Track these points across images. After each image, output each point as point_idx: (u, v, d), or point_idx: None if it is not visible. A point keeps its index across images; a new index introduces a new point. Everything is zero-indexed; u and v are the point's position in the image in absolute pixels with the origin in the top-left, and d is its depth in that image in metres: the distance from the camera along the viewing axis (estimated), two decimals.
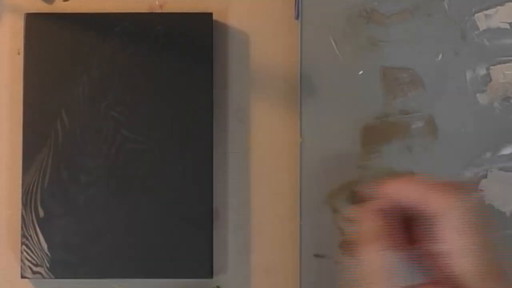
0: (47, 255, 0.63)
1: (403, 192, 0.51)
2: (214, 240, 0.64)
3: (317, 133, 0.63)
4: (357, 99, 0.63)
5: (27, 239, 0.63)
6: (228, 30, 0.67)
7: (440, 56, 0.63)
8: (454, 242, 0.49)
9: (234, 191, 0.66)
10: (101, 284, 0.65)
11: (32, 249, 0.63)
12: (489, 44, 0.63)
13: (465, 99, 0.63)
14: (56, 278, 0.64)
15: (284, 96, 0.66)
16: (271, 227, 0.66)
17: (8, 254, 0.65)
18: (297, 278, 0.64)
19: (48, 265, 0.63)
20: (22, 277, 0.63)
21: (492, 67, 0.63)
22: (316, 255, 0.63)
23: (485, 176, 0.63)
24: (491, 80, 0.63)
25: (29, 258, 0.63)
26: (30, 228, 0.63)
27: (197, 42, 0.65)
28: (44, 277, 0.63)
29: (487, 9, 0.63)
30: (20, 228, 0.63)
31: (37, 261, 0.63)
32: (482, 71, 0.63)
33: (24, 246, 0.63)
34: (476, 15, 0.63)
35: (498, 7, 0.63)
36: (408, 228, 0.51)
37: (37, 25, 0.64)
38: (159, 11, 0.66)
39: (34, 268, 0.63)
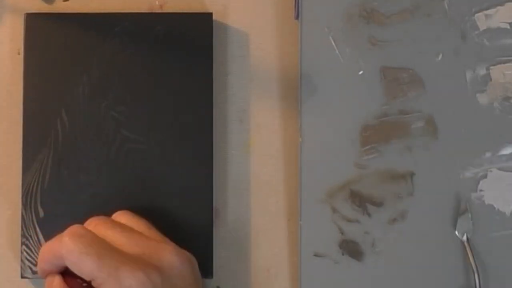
0: None
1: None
2: (214, 240, 0.64)
3: (317, 133, 0.63)
4: (357, 99, 0.63)
5: (27, 239, 0.63)
6: (228, 30, 0.67)
7: (440, 56, 0.63)
8: None
9: (234, 191, 0.66)
10: None
11: (32, 249, 0.63)
12: (489, 44, 0.63)
13: (465, 99, 0.63)
14: None
15: (284, 96, 0.66)
16: (271, 227, 0.66)
17: (8, 254, 0.65)
18: (297, 278, 0.64)
19: None
20: (22, 277, 0.63)
21: (492, 67, 0.63)
22: (316, 255, 0.63)
23: (485, 176, 0.63)
24: (491, 80, 0.63)
25: (29, 258, 0.63)
26: (30, 228, 0.63)
27: (197, 42, 0.65)
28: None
29: (487, 9, 0.63)
30: (20, 228, 0.63)
31: (37, 261, 0.63)
32: (482, 71, 0.63)
33: (24, 246, 0.63)
34: (476, 15, 0.63)
35: (498, 7, 0.63)
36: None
37: (37, 25, 0.64)
38: (159, 11, 0.66)
39: (34, 268, 0.63)
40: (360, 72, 0.63)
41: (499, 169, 0.63)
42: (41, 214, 0.63)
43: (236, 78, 0.66)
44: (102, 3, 0.66)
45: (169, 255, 0.57)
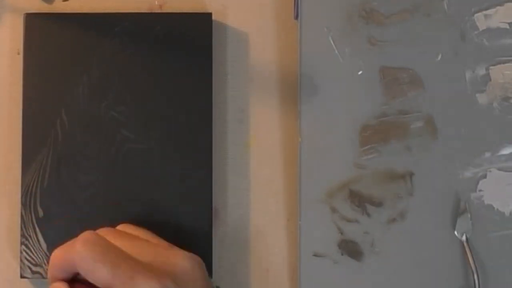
0: (46, 255, 0.63)
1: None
2: (213, 240, 0.64)
3: (316, 133, 0.63)
4: (356, 99, 0.63)
5: (26, 239, 0.63)
6: (228, 30, 0.67)
7: (440, 56, 0.63)
8: None
9: (234, 191, 0.66)
10: None
11: (32, 249, 0.63)
12: (489, 44, 0.63)
13: (464, 99, 0.63)
14: None
15: (283, 96, 0.66)
16: (271, 227, 0.66)
17: (8, 254, 0.65)
18: (296, 278, 0.64)
19: (47, 265, 0.63)
20: (22, 277, 0.63)
21: (491, 67, 0.63)
22: (315, 255, 0.63)
23: (485, 176, 0.63)
24: (490, 80, 0.63)
25: (29, 258, 0.63)
26: (30, 228, 0.63)
27: (196, 42, 0.65)
28: (43, 277, 0.63)
29: (486, 9, 0.63)
30: (19, 228, 0.63)
31: (37, 261, 0.63)
32: (482, 71, 0.63)
33: (23, 246, 0.63)
34: (475, 15, 0.63)
35: (498, 7, 0.63)
36: None
37: (37, 25, 0.64)
38: (159, 11, 0.66)
39: (34, 268, 0.63)
40: (360, 72, 0.63)
41: (499, 169, 0.63)
42: (41, 214, 0.63)
43: (235, 78, 0.67)
44: (102, 3, 0.66)
45: (181, 260, 0.57)
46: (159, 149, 0.64)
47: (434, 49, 0.63)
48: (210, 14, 0.65)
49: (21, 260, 0.63)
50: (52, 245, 0.63)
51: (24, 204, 0.63)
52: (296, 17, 0.65)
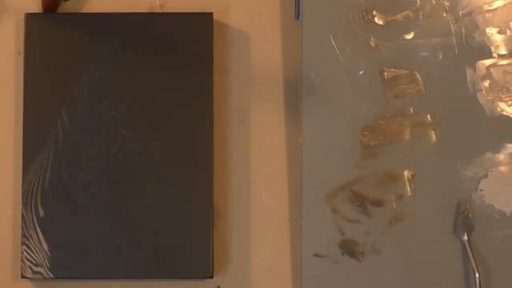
0: (47, 255, 0.63)
1: None
2: (214, 240, 0.64)
3: (317, 133, 0.63)
4: (357, 99, 0.63)
5: (27, 239, 0.63)
6: (228, 30, 0.67)
7: (440, 56, 0.63)
8: None
9: (234, 191, 0.66)
10: (101, 284, 0.65)
11: (33, 249, 0.63)
12: (489, 44, 0.63)
13: (465, 99, 0.63)
14: (56, 278, 0.64)
15: (284, 96, 0.66)
16: (271, 227, 0.66)
17: (9, 254, 0.65)
18: (297, 278, 0.64)
19: (48, 265, 0.63)
20: (23, 276, 0.63)
21: (492, 67, 0.63)
22: (316, 255, 0.63)
23: (486, 176, 0.63)
24: (491, 80, 0.63)
25: (30, 258, 0.63)
26: (31, 228, 0.63)
27: (197, 42, 0.65)
28: (44, 277, 0.63)
29: (487, 9, 0.63)
30: (20, 228, 0.63)
31: (37, 260, 0.63)
32: (482, 71, 0.63)
33: (24, 246, 0.63)
34: (476, 15, 0.63)
35: (498, 7, 0.63)
36: None
37: (37, 25, 0.64)
38: (159, 11, 0.66)
39: (35, 268, 0.63)
40: (361, 72, 0.63)
41: (499, 169, 0.63)
42: (41, 214, 0.63)
43: (236, 78, 0.67)
44: (102, 3, 0.66)
45: None
46: (159, 149, 0.64)
47: (435, 49, 0.63)
48: (211, 14, 0.65)
49: (22, 260, 0.63)
50: (53, 245, 0.63)
51: (25, 204, 0.63)
52: (297, 17, 0.65)
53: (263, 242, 0.66)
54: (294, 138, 0.65)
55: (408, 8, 0.63)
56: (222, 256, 0.65)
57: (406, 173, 0.63)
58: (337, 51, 0.63)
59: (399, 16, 0.63)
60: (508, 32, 0.63)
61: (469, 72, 0.63)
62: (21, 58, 0.65)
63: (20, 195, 0.63)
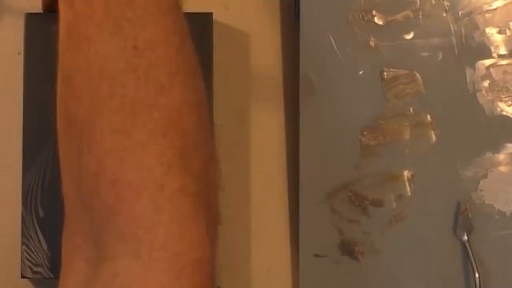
0: (47, 255, 0.63)
1: None
2: None
3: (317, 133, 0.63)
4: (357, 99, 0.63)
5: (27, 239, 0.63)
6: (228, 30, 0.67)
7: (440, 56, 0.63)
8: None
9: (234, 191, 0.66)
10: None
11: (32, 249, 0.63)
12: (489, 44, 0.63)
13: (465, 99, 0.63)
14: (56, 278, 0.63)
15: (284, 96, 0.66)
16: (271, 227, 0.66)
17: (8, 254, 0.65)
18: (297, 278, 0.64)
19: (48, 265, 0.63)
20: (22, 277, 0.63)
21: (492, 67, 0.63)
22: (316, 255, 0.63)
23: (486, 176, 0.63)
24: (491, 80, 0.63)
25: (29, 258, 0.63)
26: (30, 228, 0.63)
27: (197, 42, 0.64)
28: (44, 277, 0.63)
29: (487, 9, 0.63)
30: (20, 228, 0.63)
31: (37, 261, 0.63)
32: (482, 71, 0.63)
33: (24, 246, 0.63)
34: (476, 15, 0.63)
35: (498, 7, 0.63)
36: None
37: (37, 25, 0.64)
38: None
39: (34, 268, 0.63)
40: (360, 72, 0.63)
41: (499, 169, 0.63)
42: (41, 214, 0.63)
43: (236, 78, 0.66)
44: None
45: None
46: None
47: (435, 49, 0.63)
48: (210, 14, 0.65)
49: (21, 260, 0.63)
50: (53, 245, 0.63)
51: (25, 204, 0.63)
52: (297, 17, 0.65)
53: (263, 242, 0.66)
54: (294, 138, 0.65)
55: (408, 8, 0.63)
56: (223, 256, 0.65)
57: (406, 173, 0.63)
58: (337, 51, 0.63)
59: (399, 16, 0.63)
60: (508, 32, 0.63)
61: (468, 72, 0.63)
62: (21, 58, 0.65)
63: (20, 195, 0.63)
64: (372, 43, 0.63)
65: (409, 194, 0.63)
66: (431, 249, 0.63)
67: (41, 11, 0.65)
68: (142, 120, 0.43)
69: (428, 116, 0.63)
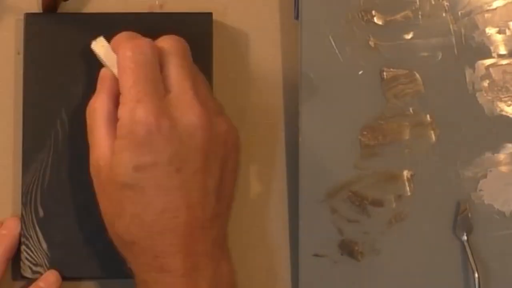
0: (47, 255, 0.63)
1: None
2: None
3: (316, 133, 0.63)
4: (357, 99, 0.63)
5: (27, 238, 0.63)
6: (228, 30, 0.67)
7: (440, 56, 0.63)
8: None
9: (234, 191, 0.65)
10: (101, 284, 0.65)
11: (32, 248, 0.63)
12: (489, 44, 0.63)
13: (465, 99, 0.63)
14: None
15: (284, 96, 0.66)
16: (270, 227, 0.66)
17: None
18: (297, 278, 0.64)
19: (48, 265, 0.63)
20: (22, 277, 0.63)
21: (491, 67, 0.63)
22: (315, 255, 0.63)
23: (485, 176, 0.63)
24: (490, 80, 0.63)
25: (29, 258, 0.63)
26: (30, 228, 0.63)
27: (197, 42, 0.64)
28: None
29: (487, 9, 0.63)
30: (20, 228, 0.63)
31: (37, 260, 0.63)
32: (482, 71, 0.63)
33: (24, 246, 0.63)
34: (476, 15, 0.63)
35: (498, 7, 0.63)
36: None
37: (37, 25, 0.64)
38: (159, 11, 0.66)
39: (34, 268, 0.63)
40: (360, 72, 0.63)
41: (499, 169, 0.63)
42: (41, 214, 0.63)
43: (236, 78, 0.66)
44: (102, 3, 0.66)
45: (194, 117, 0.56)
46: None
47: (435, 49, 0.63)
48: (210, 14, 0.65)
49: (21, 260, 0.63)
50: (53, 245, 0.63)
51: (24, 204, 0.63)
52: (297, 17, 0.65)
53: (263, 242, 0.66)
54: (294, 137, 0.65)
55: (408, 8, 0.63)
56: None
57: (405, 173, 0.63)
58: (337, 51, 0.63)
59: (398, 16, 0.63)
60: (508, 32, 0.63)
61: (468, 72, 0.63)
62: (20, 58, 0.65)
63: (20, 195, 0.63)
64: (371, 43, 0.63)
65: (409, 194, 0.63)
66: (431, 249, 0.63)
67: (41, 11, 0.66)
68: None
69: (428, 116, 0.63)
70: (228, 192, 0.59)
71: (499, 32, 0.63)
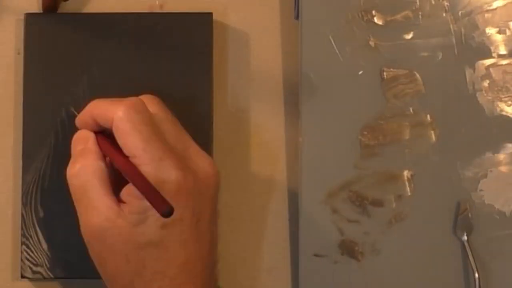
0: (47, 255, 0.63)
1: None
2: None
3: (317, 133, 0.63)
4: (357, 99, 0.63)
5: (27, 239, 0.63)
6: (228, 30, 0.67)
7: (440, 56, 0.63)
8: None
9: (234, 191, 0.65)
10: (101, 284, 0.65)
11: (32, 249, 0.63)
12: (489, 44, 0.63)
13: (465, 99, 0.63)
14: (56, 278, 0.64)
15: (284, 96, 0.66)
16: (271, 227, 0.66)
17: (8, 254, 0.65)
18: (297, 278, 0.64)
19: (48, 265, 0.63)
20: (22, 277, 0.63)
21: (492, 67, 0.63)
22: (316, 255, 0.63)
23: (485, 176, 0.63)
24: (490, 80, 0.63)
25: (29, 258, 0.63)
26: (30, 228, 0.63)
27: (197, 42, 0.65)
28: (44, 277, 0.63)
29: (487, 9, 0.63)
30: (20, 228, 0.63)
31: (37, 261, 0.63)
32: (482, 71, 0.63)
33: (24, 246, 0.63)
34: (476, 15, 0.63)
35: (498, 7, 0.63)
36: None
37: (37, 25, 0.64)
38: (159, 11, 0.66)
39: (34, 268, 0.63)
40: (360, 72, 0.63)
41: (499, 169, 0.63)
42: (41, 214, 0.63)
43: (236, 78, 0.66)
44: (102, 3, 0.66)
45: (207, 165, 0.57)
46: None
47: (435, 49, 0.63)
48: (210, 14, 0.65)
49: (21, 260, 0.63)
50: (53, 245, 0.63)
51: (24, 204, 0.63)
52: (297, 17, 0.65)
53: (263, 242, 0.66)
54: (294, 138, 0.65)
55: (408, 8, 0.63)
56: (223, 256, 0.65)
57: (405, 173, 0.63)
58: (337, 51, 0.63)
59: (398, 16, 0.63)
60: (508, 32, 0.63)
61: (468, 72, 0.63)
62: (21, 58, 0.65)
63: (20, 195, 0.63)
64: (372, 43, 0.63)
65: (409, 194, 0.63)
66: (431, 249, 0.63)
67: (41, 11, 0.66)
68: None
69: (428, 116, 0.63)
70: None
71: (499, 32, 0.63)
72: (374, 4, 0.63)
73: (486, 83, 0.63)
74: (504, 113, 0.63)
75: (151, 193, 0.53)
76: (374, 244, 0.63)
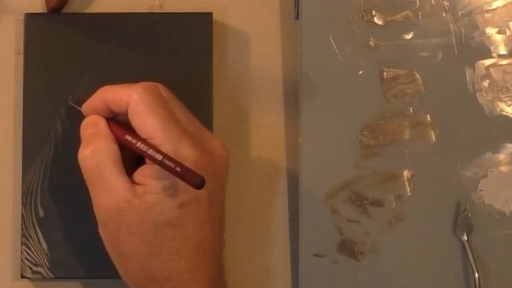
0: (47, 255, 0.63)
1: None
2: None
3: (317, 133, 0.63)
4: (357, 99, 0.63)
5: (27, 239, 0.63)
6: (228, 30, 0.67)
7: (440, 56, 0.63)
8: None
9: (234, 191, 0.65)
10: (101, 284, 0.65)
11: (32, 249, 0.63)
12: (489, 44, 0.63)
13: (465, 99, 0.63)
14: (56, 278, 0.64)
15: (284, 96, 0.66)
16: (270, 227, 0.66)
17: (8, 254, 0.65)
18: (297, 278, 0.64)
19: (48, 265, 0.63)
20: (22, 277, 0.63)
21: (492, 67, 0.63)
22: (316, 255, 0.63)
23: (485, 176, 0.63)
24: (490, 80, 0.63)
25: (29, 258, 0.63)
26: (30, 228, 0.63)
27: (197, 42, 0.65)
28: (44, 277, 0.63)
29: (487, 9, 0.63)
30: (20, 228, 0.63)
31: (37, 261, 0.63)
32: (482, 71, 0.63)
33: (24, 246, 0.63)
34: (476, 15, 0.63)
35: (498, 7, 0.63)
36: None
37: (37, 25, 0.64)
38: (159, 11, 0.66)
39: (34, 268, 0.63)
40: (360, 72, 0.63)
41: (499, 169, 0.63)
42: (41, 214, 0.63)
43: (236, 78, 0.66)
44: (102, 3, 0.66)
45: (220, 147, 0.58)
46: None
47: (435, 49, 0.63)
48: (210, 14, 0.65)
49: (21, 260, 0.63)
50: (53, 245, 0.63)
51: (24, 204, 0.63)
52: (297, 17, 0.65)
53: (263, 242, 0.66)
54: (294, 137, 0.65)
55: (408, 8, 0.63)
56: (223, 256, 0.65)
57: (405, 173, 0.63)
58: (337, 51, 0.63)
59: (398, 16, 0.63)
60: (508, 32, 0.63)
61: (468, 72, 0.63)
62: (21, 58, 0.65)
63: (20, 195, 0.63)
64: (372, 43, 0.63)
65: (409, 194, 0.63)
66: (431, 249, 0.63)
67: (41, 11, 0.66)
68: None
69: (428, 116, 0.63)
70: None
71: (499, 32, 0.63)
72: (374, 4, 0.63)
73: (486, 83, 0.63)
74: (504, 113, 0.63)
75: (180, 168, 0.53)
76: (374, 244, 0.63)
